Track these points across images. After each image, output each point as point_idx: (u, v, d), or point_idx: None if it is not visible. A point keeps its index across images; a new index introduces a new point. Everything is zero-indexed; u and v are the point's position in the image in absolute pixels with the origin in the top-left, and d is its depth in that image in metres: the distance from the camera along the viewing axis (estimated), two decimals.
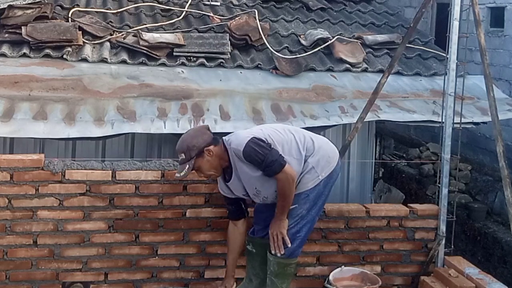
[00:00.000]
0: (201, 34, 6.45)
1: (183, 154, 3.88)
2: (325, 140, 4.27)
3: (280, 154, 3.90)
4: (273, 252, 4.04)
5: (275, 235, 4.00)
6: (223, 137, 4.05)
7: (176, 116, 5.26)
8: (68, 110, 5.16)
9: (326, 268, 4.68)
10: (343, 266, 4.66)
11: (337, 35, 6.76)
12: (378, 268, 4.77)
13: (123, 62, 5.90)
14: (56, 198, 4.30)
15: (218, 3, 7.29)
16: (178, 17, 6.81)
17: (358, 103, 5.71)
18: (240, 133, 4.08)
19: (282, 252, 4.02)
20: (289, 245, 4.01)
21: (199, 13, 6.95)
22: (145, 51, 5.96)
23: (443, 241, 4.83)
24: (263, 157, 3.83)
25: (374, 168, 6.95)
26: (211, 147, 3.90)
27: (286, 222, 4.01)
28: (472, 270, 4.67)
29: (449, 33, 4.82)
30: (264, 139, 3.92)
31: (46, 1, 6.33)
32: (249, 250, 4.32)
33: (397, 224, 4.79)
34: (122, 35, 6.27)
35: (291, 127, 4.30)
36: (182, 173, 3.91)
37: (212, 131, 5.10)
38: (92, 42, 6.11)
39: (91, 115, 5.13)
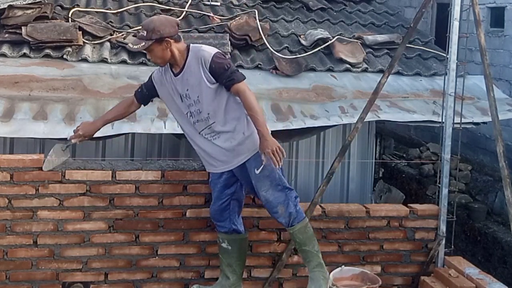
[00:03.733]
0: (201, 34, 6.45)
1: (145, 32, 4.03)
2: None
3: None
4: (277, 166, 3.97)
5: (274, 151, 3.92)
6: (192, 44, 4.22)
7: None
8: (68, 110, 5.16)
9: (326, 268, 4.67)
10: (343, 266, 4.65)
11: (337, 35, 6.76)
12: (378, 268, 4.78)
13: (123, 62, 5.90)
14: (56, 198, 4.30)
15: (218, 3, 7.29)
16: (178, 17, 6.81)
17: (358, 103, 5.70)
18: (210, 46, 4.28)
19: (282, 164, 3.99)
20: (285, 156, 3.99)
21: (199, 13, 6.95)
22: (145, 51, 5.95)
23: (443, 241, 4.83)
24: (229, 65, 4.03)
25: (374, 168, 6.96)
26: (171, 41, 4.04)
27: (272, 137, 3.97)
28: (472, 270, 4.67)
29: (449, 33, 4.82)
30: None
31: (46, 1, 6.33)
32: (224, 247, 4.33)
33: (397, 224, 4.80)
34: (122, 35, 6.27)
35: None
36: (135, 46, 4.08)
37: None
38: (92, 42, 6.11)
39: (91, 115, 5.13)
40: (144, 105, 4.42)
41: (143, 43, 4.02)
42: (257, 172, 4.04)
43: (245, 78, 4.04)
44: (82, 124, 4.38)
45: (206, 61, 4.01)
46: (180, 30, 6.39)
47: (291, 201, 4.14)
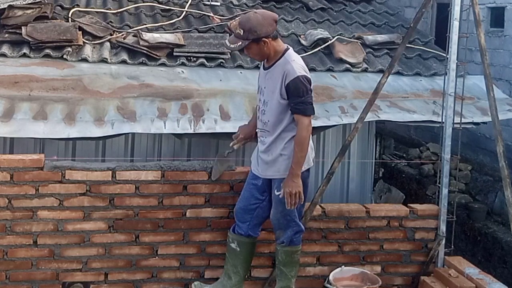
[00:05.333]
0: (201, 34, 6.45)
1: (242, 31, 3.99)
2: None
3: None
4: (288, 207, 4.03)
5: (293, 193, 3.98)
6: (291, 49, 4.16)
7: (176, 116, 5.26)
8: (68, 110, 5.15)
9: (326, 268, 4.68)
10: (343, 266, 4.66)
11: (337, 35, 6.76)
12: (378, 268, 4.78)
13: (123, 62, 5.90)
14: (56, 198, 4.30)
15: (218, 3, 7.29)
16: (178, 17, 6.81)
17: (358, 103, 5.70)
18: (303, 65, 4.15)
19: (294, 207, 4.04)
20: (302, 201, 4.07)
21: (199, 13, 6.95)
22: (145, 51, 5.95)
23: (443, 241, 4.84)
24: (305, 93, 3.97)
25: (374, 168, 6.95)
26: (269, 40, 4.01)
27: (300, 181, 4.01)
28: (472, 270, 4.67)
29: (449, 33, 4.83)
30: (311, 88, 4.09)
31: (46, 1, 6.33)
32: (233, 248, 4.34)
33: (397, 224, 4.80)
34: (122, 35, 6.26)
35: None
36: (232, 46, 4.05)
37: (212, 131, 5.16)
38: (92, 42, 6.10)
39: (91, 115, 5.13)
40: None
41: (240, 43, 4.00)
42: (276, 193, 4.11)
43: (313, 113, 4.02)
44: (240, 128, 4.43)
45: (288, 77, 3.97)
46: (180, 30, 6.47)
47: (290, 233, 4.23)
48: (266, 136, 4.14)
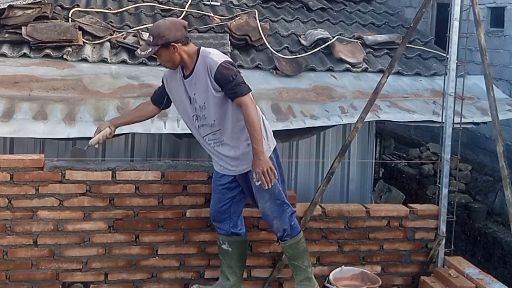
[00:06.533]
0: (201, 34, 6.45)
1: (151, 38, 4.01)
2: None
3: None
4: (265, 187, 3.97)
5: (265, 172, 3.93)
6: (202, 47, 4.18)
7: (176, 116, 5.24)
8: (68, 110, 5.16)
9: (326, 268, 4.68)
10: (343, 266, 4.66)
11: (337, 35, 6.76)
12: (378, 268, 4.78)
13: (123, 62, 5.90)
14: (56, 198, 4.30)
15: (218, 3, 7.29)
16: (178, 17, 6.81)
17: (358, 103, 5.70)
18: (221, 53, 4.18)
19: (273, 184, 3.99)
20: (277, 176, 4.01)
21: (199, 13, 6.95)
22: None
23: (443, 241, 4.84)
24: (235, 76, 3.96)
25: (374, 168, 6.96)
26: (178, 45, 4.00)
27: (266, 157, 3.97)
28: (472, 270, 4.67)
29: (449, 33, 4.82)
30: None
31: (46, 1, 6.33)
32: (225, 249, 4.34)
33: (397, 224, 4.80)
34: (122, 35, 6.26)
35: None
36: (143, 53, 4.04)
37: None
38: (92, 42, 6.11)
39: (91, 115, 5.13)
40: (160, 107, 4.35)
41: (150, 49, 4.00)
42: (257, 184, 4.03)
43: (250, 91, 4.00)
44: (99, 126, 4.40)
45: (212, 69, 3.96)
46: None
47: (286, 216, 4.20)
48: (220, 135, 4.09)
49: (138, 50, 4.11)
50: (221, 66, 3.95)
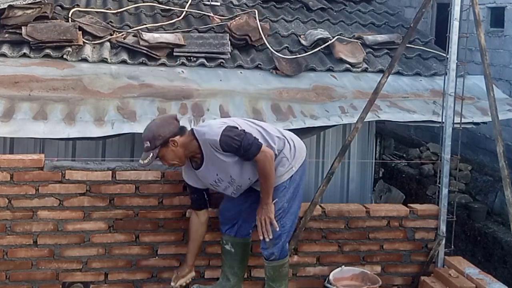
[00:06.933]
0: (201, 34, 6.45)
1: (148, 142, 3.90)
2: (291, 133, 4.36)
3: (255, 137, 3.94)
4: (261, 237, 4.03)
5: (263, 220, 4.00)
6: (194, 127, 4.08)
7: None
8: (68, 110, 5.16)
9: (326, 268, 4.68)
10: (343, 266, 4.66)
11: (337, 35, 6.76)
12: (378, 268, 4.78)
13: (123, 62, 5.90)
14: (56, 198, 4.30)
15: (218, 3, 7.29)
16: (178, 17, 6.81)
17: (358, 103, 5.71)
18: (212, 123, 4.09)
19: (270, 237, 4.02)
20: (277, 229, 4.03)
21: (199, 13, 6.95)
22: (145, 51, 5.96)
23: (443, 241, 4.83)
24: (239, 143, 3.86)
25: (374, 168, 6.95)
26: (177, 138, 3.91)
27: (272, 206, 4.01)
28: (472, 270, 4.67)
29: (449, 33, 4.82)
30: (237, 126, 3.98)
31: (46, 1, 6.33)
32: (227, 249, 4.33)
33: (397, 224, 4.80)
34: (122, 35, 6.27)
35: (256, 121, 4.33)
36: (145, 161, 3.92)
37: None
38: (92, 42, 6.11)
39: (91, 115, 5.13)
40: (207, 206, 4.24)
41: (151, 154, 3.89)
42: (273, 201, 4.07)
43: (260, 146, 3.90)
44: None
45: (217, 146, 3.88)
46: (180, 30, 6.47)
47: (280, 242, 4.13)
48: (239, 187, 4.10)
49: (140, 161, 3.96)
50: (222, 141, 3.86)
